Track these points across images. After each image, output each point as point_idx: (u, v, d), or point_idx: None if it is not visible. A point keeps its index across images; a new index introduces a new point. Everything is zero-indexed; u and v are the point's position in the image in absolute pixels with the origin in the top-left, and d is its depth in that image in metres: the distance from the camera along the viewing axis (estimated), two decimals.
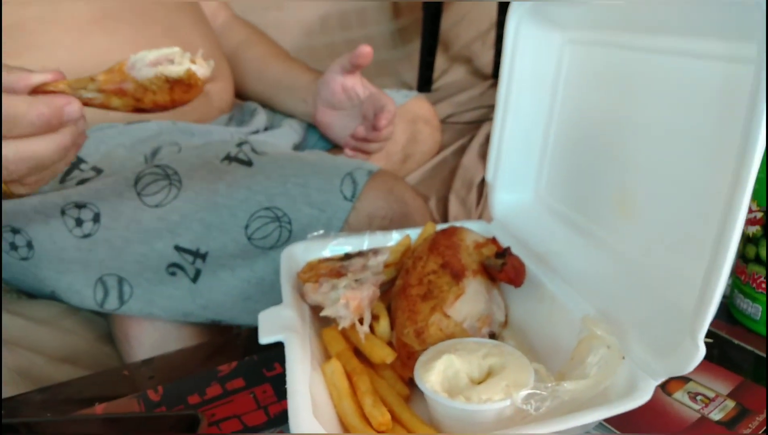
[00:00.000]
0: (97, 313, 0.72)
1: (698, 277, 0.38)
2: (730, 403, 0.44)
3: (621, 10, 0.48)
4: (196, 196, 0.66)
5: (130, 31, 0.77)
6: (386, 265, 0.53)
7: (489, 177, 0.62)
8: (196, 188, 0.66)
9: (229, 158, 0.68)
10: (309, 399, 0.38)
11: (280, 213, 0.65)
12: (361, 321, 0.45)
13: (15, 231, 0.67)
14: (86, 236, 0.66)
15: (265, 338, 0.44)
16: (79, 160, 0.70)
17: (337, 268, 0.51)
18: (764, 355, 0.48)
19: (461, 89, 1.51)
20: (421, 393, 0.43)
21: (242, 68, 0.98)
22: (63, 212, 0.66)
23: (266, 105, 0.97)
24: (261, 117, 0.92)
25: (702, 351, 0.34)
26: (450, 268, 0.49)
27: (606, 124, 0.51)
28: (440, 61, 1.61)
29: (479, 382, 0.40)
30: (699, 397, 0.44)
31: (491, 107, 1.35)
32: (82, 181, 0.68)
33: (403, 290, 0.49)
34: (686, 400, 0.44)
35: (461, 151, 1.08)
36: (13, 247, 0.68)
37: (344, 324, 0.45)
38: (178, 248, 0.65)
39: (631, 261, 0.46)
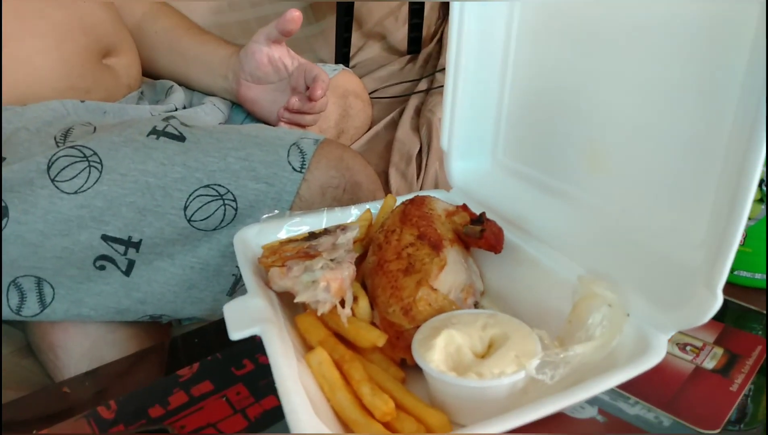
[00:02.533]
0: (12, 322, 0.62)
1: (694, 229, 0.37)
2: (719, 350, 0.44)
3: None
4: (123, 177, 0.58)
5: (13, 0, 0.67)
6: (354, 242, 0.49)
7: (444, 145, 0.59)
8: (121, 169, 0.58)
9: (156, 133, 0.60)
10: (305, 396, 0.33)
11: (222, 190, 0.59)
12: (342, 304, 0.41)
13: None
14: None
15: (237, 333, 0.38)
16: None
17: (305, 248, 0.46)
18: (742, 303, 0.49)
19: (379, 65, 1.48)
20: (417, 375, 0.40)
21: (150, 43, 0.88)
22: None
23: (182, 83, 0.89)
24: (178, 94, 0.84)
25: (720, 300, 0.33)
26: (427, 238, 0.46)
27: (566, 78, 0.49)
28: (355, 38, 1.56)
29: (482, 356, 0.37)
30: (688, 347, 0.44)
31: (414, 81, 1.33)
32: None
33: (380, 266, 0.45)
34: (677, 351, 0.44)
35: (393, 125, 1.05)
36: None
37: (324, 309, 0.40)
38: (105, 238, 0.58)
39: (612, 216, 0.45)
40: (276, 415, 0.40)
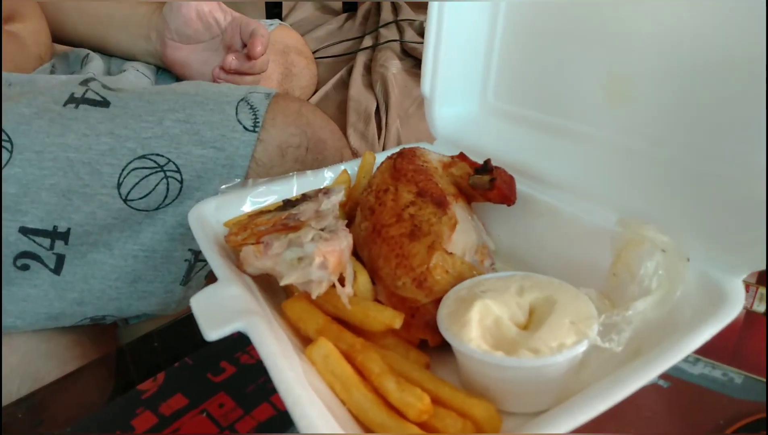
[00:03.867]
0: None
1: (750, 153, 0.32)
2: (763, 290, 0.39)
3: None
4: (38, 156, 0.47)
5: None
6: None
7: (425, 90, 0.52)
8: (35, 146, 0.47)
9: (74, 101, 0.50)
10: (321, 404, 0.25)
11: (162, 160, 0.49)
12: (341, 281, 0.33)
13: None
14: None
15: (214, 332, 0.30)
16: None
17: (282, 220, 0.37)
18: None
19: (315, 25, 1.38)
20: (439, 356, 0.33)
21: (55, 4, 0.75)
22: None
23: (98, 49, 0.76)
24: (96, 63, 0.72)
25: None
26: (429, 195, 0.38)
27: (574, 4, 0.43)
28: None
29: (525, 327, 0.31)
30: None
31: (356, 39, 1.24)
32: None
33: (377, 232, 0.37)
34: None
35: (342, 84, 0.96)
36: None
37: (320, 290, 0.32)
38: (25, 231, 0.47)
39: (643, 151, 0.38)
40: (274, 427, 0.32)
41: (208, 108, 0.51)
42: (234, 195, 0.44)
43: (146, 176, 0.48)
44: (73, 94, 0.50)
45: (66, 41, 0.77)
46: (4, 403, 0.40)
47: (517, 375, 0.28)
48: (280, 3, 1.35)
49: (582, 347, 0.28)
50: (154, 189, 0.49)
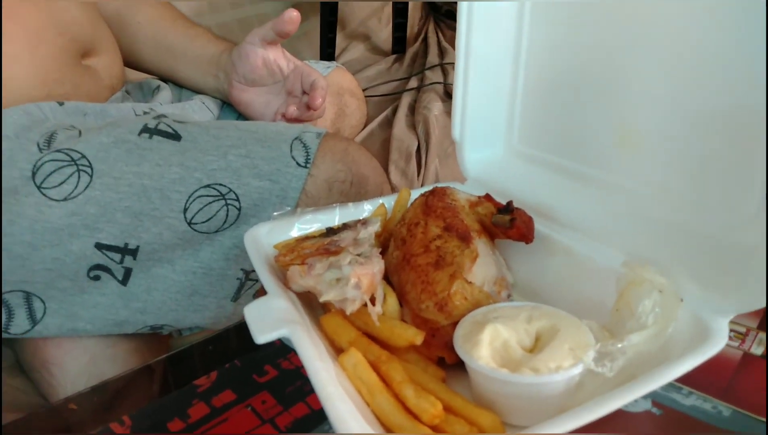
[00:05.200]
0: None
1: (744, 203, 0.36)
2: (763, 335, 0.42)
3: None
4: (116, 181, 0.54)
5: None
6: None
7: (456, 135, 0.57)
8: (113, 172, 0.54)
9: (148, 131, 0.57)
10: (350, 401, 0.30)
11: (224, 190, 0.56)
12: (372, 301, 0.38)
13: None
14: None
15: (262, 336, 0.35)
16: None
17: (325, 245, 0.43)
18: None
19: (364, 65, 1.46)
20: (455, 373, 0.37)
21: (132, 34, 0.82)
22: None
23: (168, 78, 0.84)
24: (166, 93, 0.80)
25: None
26: (455, 230, 0.43)
27: (588, 57, 0.47)
28: (338, 39, 1.54)
29: (531, 351, 0.35)
30: (732, 334, 0.42)
31: (402, 80, 1.31)
32: None
33: (407, 261, 0.42)
34: None
35: (387, 123, 1.03)
36: None
37: (353, 307, 0.38)
38: (100, 246, 0.54)
39: (650, 197, 0.42)
40: (308, 423, 0.36)
41: (267, 145, 0.57)
42: (284, 221, 0.50)
43: (209, 203, 0.55)
44: (146, 124, 0.57)
45: (137, 67, 0.85)
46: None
47: (518, 390, 0.32)
48: (334, 43, 1.44)
49: (577, 370, 0.32)
50: (215, 214, 0.55)
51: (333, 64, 0.95)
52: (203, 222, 0.55)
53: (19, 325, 0.54)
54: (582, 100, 0.48)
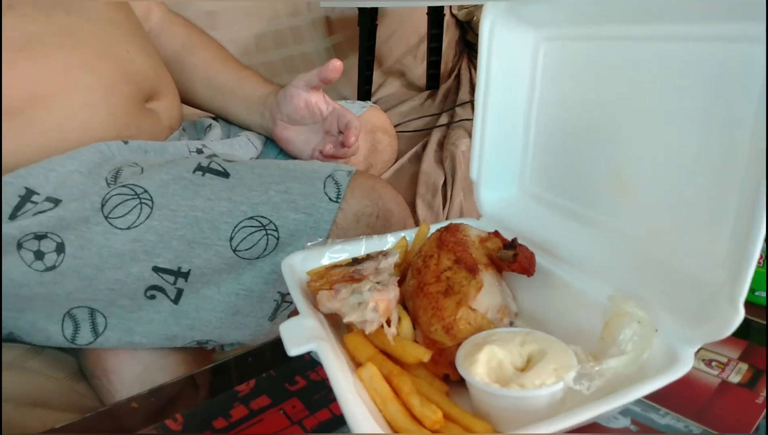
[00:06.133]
0: (65, 349, 0.66)
1: (716, 248, 0.41)
2: (743, 366, 0.46)
3: (596, 4, 0.51)
4: (173, 213, 0.62)
5: (59, 55, 0.69)
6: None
7: (473, 175, 0.63)
8: (171, 205, 0.62)
9: (202, 169, 0.65)
10: (364, 405, 0.36)
11: (265, 221, 0.63)
12: (388, 323, 0.45)
13: None
14: (49, 269, 0.60)
15: (294, 350, 0.41)
16: (30, 192, 0.63)
17: (350, 273, 0.49)
18: (763, 321, 0.52)
19: (400, 101, 1.54)
20: (458, 389, 0.43)
21: (188, 75, 0.92)
22: (19, 245, 0.60)
23: (219, 115, 0.94)
24: (216, 131, 0.89)
25: (741, 314, 0.36)
26: (464, 263, 0.49)
27: (591, 112, 0.53)
28: (375, 75, 1.63)
29: (522, 370, 0.40)
30: (714, 363, 0.47)
31: (433, 116, 1.38)
32: (37, 214, 0.62)
33: (421, 289, 0.48)
34: (703, 366, 0.46)
35: (417, 158, 1.10)
36: None
37: (372, 328, 0.44)
38: (156, 269, 0.62)
39: (638, 239, 0.48)
40: (330, 426, 0.43)
41: (303, 182, 0.65)
42: (316, 250, 0.56)
43: (252, 233, 0.62)
44: (200, 163, 0.65)
45: (193, 105, 0.95)
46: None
47: (508, 403, 0.38)
48: (371, 80, 1.52)
49: (558, 387, 0.37)
50: (257, 243, 0.62)
51: (367, 103, 1.02)
52: (246, 249, 0.62)
53: (83, 336, 0.62)
54: (585, 150, 0.54)
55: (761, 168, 0.35)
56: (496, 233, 0.54)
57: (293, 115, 0.84)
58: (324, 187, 0.65)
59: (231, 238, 0.62)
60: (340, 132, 0.81)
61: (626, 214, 0.50)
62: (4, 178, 0.62)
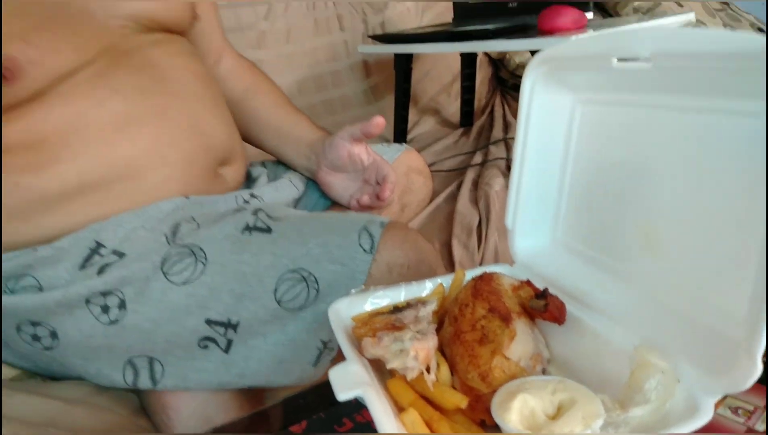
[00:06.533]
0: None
1: (737, 304, 0.43)
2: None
3: (629, 75, 0.54)
4: (223, 268, 0.67)
5: (153, 133, 0.76)
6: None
7: (509, 224, 0.67)
8: (222, 261, 0.68)
9: (248, 228, 0.70)
10: None
11: (305, 273, 0.67)
12: (428, 370, 0.48)
13: (34, 324, 0.67)
14: (113, 323, 0.66)
15: (343, 395, 0.46)
16: (98, 245, 0.71)
17: (392, 321, 0.54)
18: None
19: (435, 139, 1.59)
20: (494, 434, 0.46)
21: (248, 116, 1.00)
22: (88, 301, 0.66)
23: (269, 152, 1.00)
24: (263, 178, 0.95)
25: (760, 369, 0.39)
26: (498, 312, 0.53)
27: (622, 173, 0.56)
28: (411, 114, 1.68)
29: (553, 418, 0.44)
30: (740, 411, 0.49)
31: (468, 154, 1.42)
32: (103, 266, 0.69)
33: (457, 337, 0.52)
34: (729, 414, 0.49)
35: (452, 197, 1.14)
36: (35, 338, 0.68)
37: (413, 375, 0.48)
38: (209, 322, 0.67)
39: (664, 293, 0.51)
40: None
41: (340, 234, 0.69)
42: (360, 297, 0.60)
43: (294, 285, 0.67)
44: (247, 223, 0.70)
45: (249, 142, 1.02)
46: None
47: None
48: (407, 119, 1.58)
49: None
50: (299, 294, 0.67)
51: (403, 146, 1.08)
52: (289, 300, 0.67)
53: (143, 382, 0.67)
54: (615, 206, 0.57)
55: None
56: (529, 283, 0.58)
57: (336, 163, 0.90)
58: (359, 239, 0.69)
59: (275, 290, 0.67)
60: (377, 182, 0.87)
61: (653, 268, 0.53)
62: (80, 232, 0.69)
